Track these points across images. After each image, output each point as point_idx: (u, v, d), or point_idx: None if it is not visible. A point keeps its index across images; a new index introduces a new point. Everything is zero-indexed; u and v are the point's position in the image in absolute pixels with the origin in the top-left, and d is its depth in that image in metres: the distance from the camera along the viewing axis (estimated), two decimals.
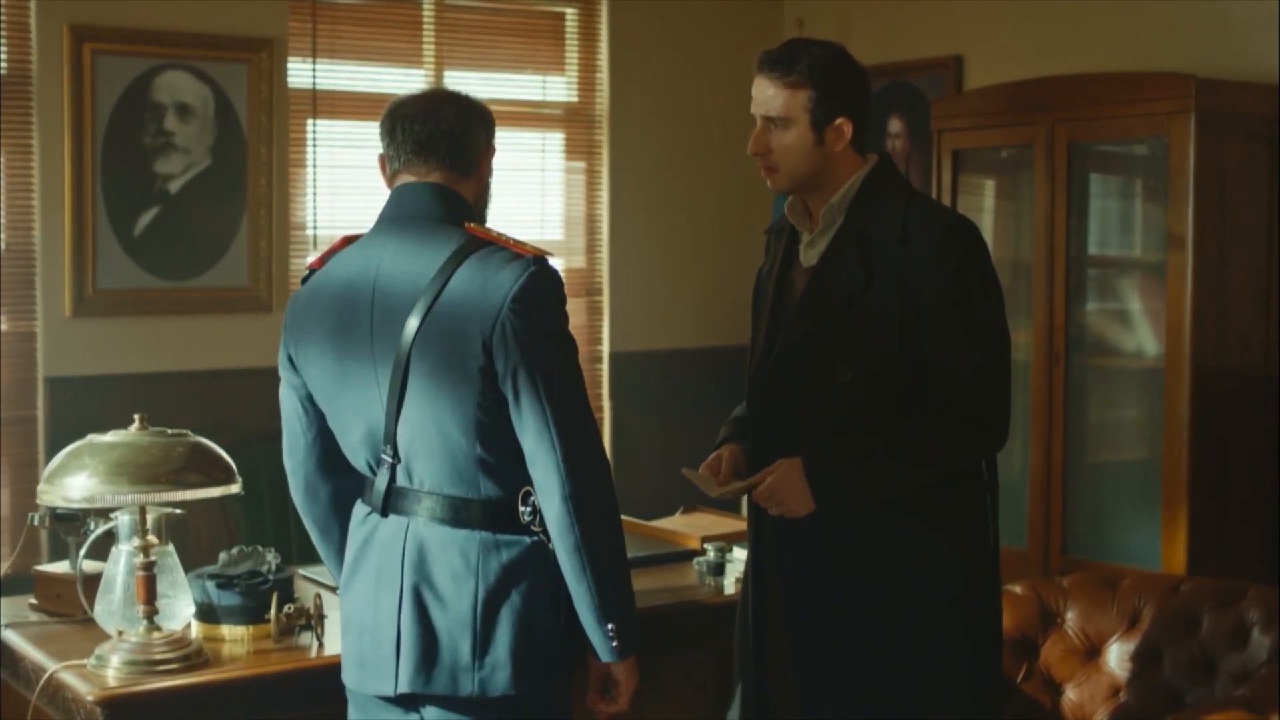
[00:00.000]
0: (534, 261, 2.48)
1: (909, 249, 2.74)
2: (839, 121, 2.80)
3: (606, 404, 6.01)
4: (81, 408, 4.77)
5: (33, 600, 3.34)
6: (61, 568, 3.31)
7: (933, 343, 2.73)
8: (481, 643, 2.49)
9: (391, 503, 2.58)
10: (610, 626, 2.49)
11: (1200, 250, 4.46)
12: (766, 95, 2.82)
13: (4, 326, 4.83)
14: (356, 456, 2.67)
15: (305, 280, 2.73)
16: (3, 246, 4.79)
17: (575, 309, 5.95)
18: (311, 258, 2.78)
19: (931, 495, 2.78)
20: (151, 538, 2.93)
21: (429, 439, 2.51)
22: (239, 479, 2.97)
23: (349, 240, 2.70)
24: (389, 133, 2.65)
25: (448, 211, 2.58)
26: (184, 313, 5.04)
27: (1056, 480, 4.81)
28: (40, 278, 4.83)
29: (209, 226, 5.08)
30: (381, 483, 2.59)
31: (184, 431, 2.97)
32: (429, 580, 2.53)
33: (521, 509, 2.53)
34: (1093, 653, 3.54)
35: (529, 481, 2.51)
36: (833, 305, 2.79)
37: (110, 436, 2.91)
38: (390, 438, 2.55)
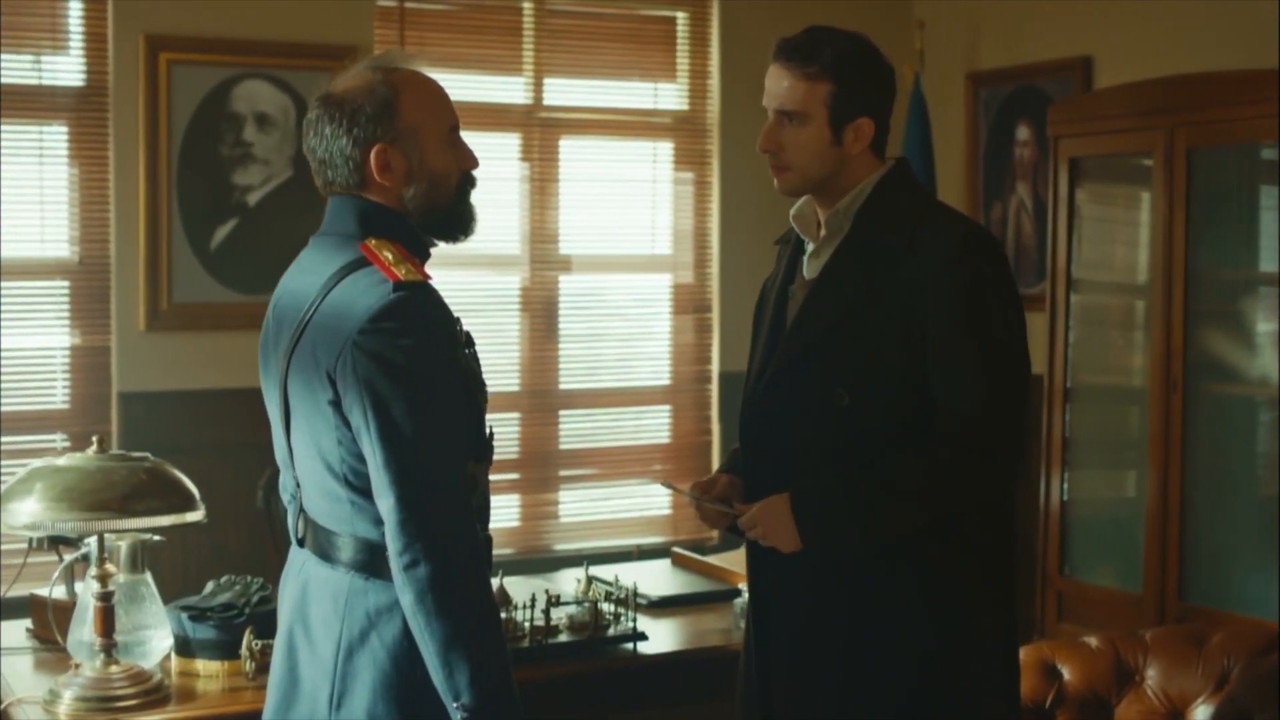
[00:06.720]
0: (397, 286, 2.18)
1: (917, 261, 2.47)
2: (860, 121, 2.55)
3: (715, 426, 5.75)
4: (155, 424, 4.68)
5: (29, 625, 3.23)
6: (57, 593, 3.19)
7: (940, 366, 2.45)
8: (339, 694, 2.25)
9: (300, 533, 2.39)
10: (455, 705, 2.15)
11: None
12: (781, 87, 2.56)
13: (78, 340, 4.78)
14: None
15: None
16: (77, 259, 4.75)
17: (682, 326, 5.73)
18: None
19: (935, 537, 2.49)
20: (110, 566, 2.79)
21: (309, 471, 2.32)
22: (200, 506, 2.82)
23: None
24: None
25: (359, 227, 2.32)
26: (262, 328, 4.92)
27: (1173, 519, 4.38)
28: (115, 291, 4.77)
29: (289, 239, 4.87)
30: (294, 510, 2.41)
31: (145, 456, 2.83)
32: (305, 621, 2.33)
33: None
34: (1175, 716, 3.20)
35: None
36: (830, 321, 2.52)
37: (64, 460, 2.79)
38: (289, 464, 2.37)
